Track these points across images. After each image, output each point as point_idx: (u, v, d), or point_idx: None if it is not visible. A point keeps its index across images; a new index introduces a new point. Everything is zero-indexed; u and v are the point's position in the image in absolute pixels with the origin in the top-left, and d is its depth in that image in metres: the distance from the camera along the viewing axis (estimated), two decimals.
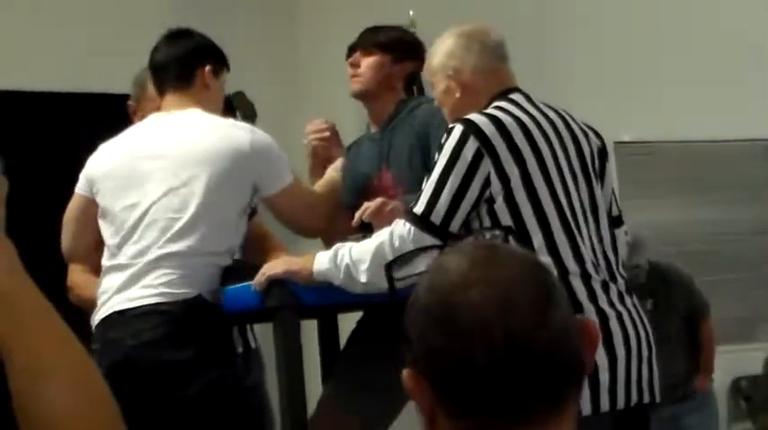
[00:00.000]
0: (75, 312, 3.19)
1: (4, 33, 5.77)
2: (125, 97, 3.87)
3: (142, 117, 3.63)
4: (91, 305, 3.31)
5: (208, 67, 3.41)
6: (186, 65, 3.40)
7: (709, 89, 5.38)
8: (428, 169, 3.22)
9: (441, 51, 3.04)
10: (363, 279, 2.86)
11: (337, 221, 3.41)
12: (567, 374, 1.29)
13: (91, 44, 5.90)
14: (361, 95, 3.57)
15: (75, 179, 3.67)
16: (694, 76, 5.40)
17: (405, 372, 1.31)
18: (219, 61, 3.46)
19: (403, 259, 2.77)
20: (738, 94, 5.34)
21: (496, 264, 1.30)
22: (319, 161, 3.65)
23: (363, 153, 3.64)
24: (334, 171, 3.60)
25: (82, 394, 1.18)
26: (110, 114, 3.85)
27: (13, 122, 5.67)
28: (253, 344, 3.44)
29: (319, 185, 3.58)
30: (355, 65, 3.56)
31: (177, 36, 3.47)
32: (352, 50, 3.60)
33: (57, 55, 5.82)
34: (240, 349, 3.22)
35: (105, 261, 3.30)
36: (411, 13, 4.25)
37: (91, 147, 3.50)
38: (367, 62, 3.55)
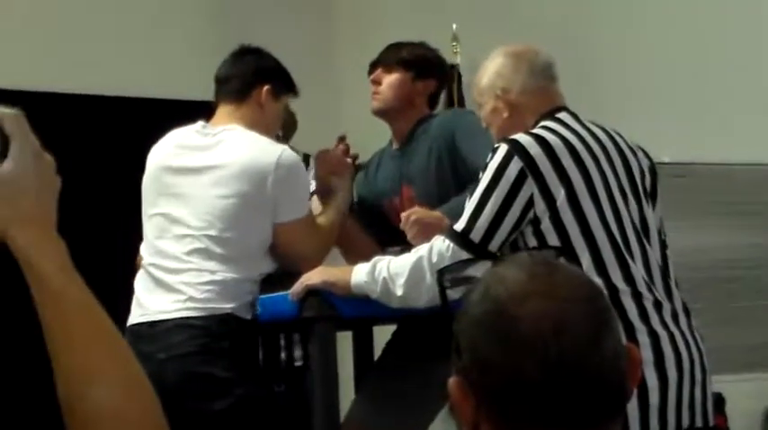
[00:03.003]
0: (119, 314, 3.21)
1: (51, 38, 5.83)
2: (161, 102, 3.90)
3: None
4: None
5: (267, 87, 3.35)
6: (246, 81, 3.35)
7: (750, 112, 5.34)
8: (457, 170, 3.19)
9: (489, 71, 3.01)
10: (400, 292, 2.85)
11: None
12: (613, 398, 1.28)
13: (127, 47, 5.94)
14: (381, 113, 3.55)
15: (125, 180, 3.68)
16: (736, 99, 5.36)
17: (451, 381, 1.30)
18: (284, 84, 3.40)
19: (456, 266, 2.73)
20: None
21: (555, 279, 1.29)
22: (322, 186, 3.48)
23: (383, 171, 3.62)
24: (335, 213, 3.40)
25: (129, 398, 1.17)
26: (152, 119, 3.88)
27: (67, 124, 5.71)
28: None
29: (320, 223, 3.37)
30: (377, 82, 3.54)
31: (245, 53, 3.44)
32: (374, 66, 3.58)
33: (103, 60, 5.88)
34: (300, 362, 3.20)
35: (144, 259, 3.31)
36: (454, 26, 4.23)
37: (135, 151, 3.52)
38: (388, 80, 3.53)
